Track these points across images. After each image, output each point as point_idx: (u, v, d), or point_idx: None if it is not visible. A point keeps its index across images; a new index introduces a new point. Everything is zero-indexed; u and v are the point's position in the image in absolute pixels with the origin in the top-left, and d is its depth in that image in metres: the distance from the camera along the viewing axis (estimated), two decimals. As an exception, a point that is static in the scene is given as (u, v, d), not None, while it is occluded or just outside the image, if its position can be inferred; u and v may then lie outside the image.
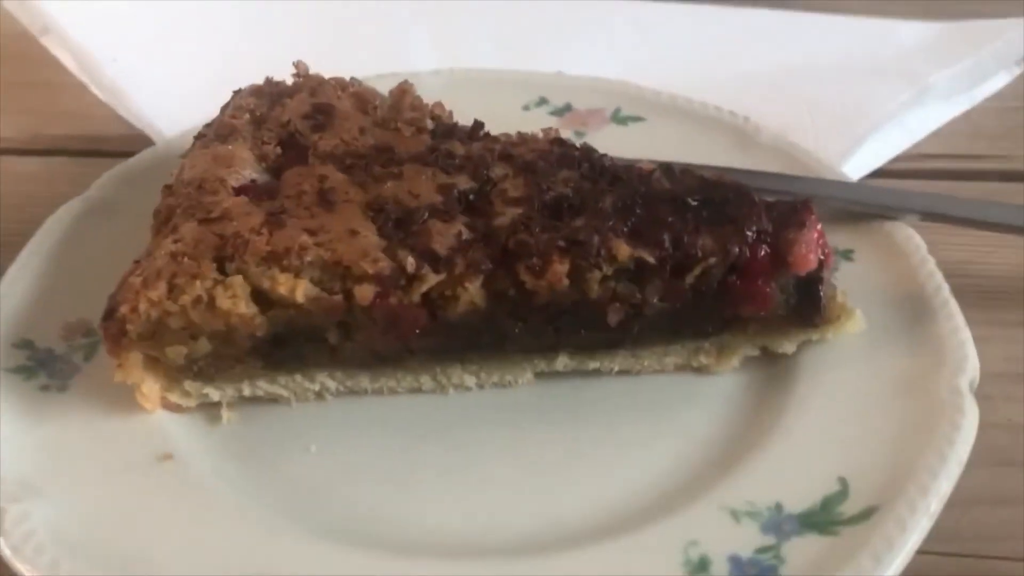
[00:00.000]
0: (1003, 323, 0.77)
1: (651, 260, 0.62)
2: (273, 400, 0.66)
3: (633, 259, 0.62)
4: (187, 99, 0.92)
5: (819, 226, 0.65)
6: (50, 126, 1.00)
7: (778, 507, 0.58)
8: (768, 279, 0.64)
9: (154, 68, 1.00)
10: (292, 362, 0.64)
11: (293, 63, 0.77)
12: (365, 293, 0.60)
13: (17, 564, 0.53)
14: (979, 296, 0.77)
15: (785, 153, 0.84)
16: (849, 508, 0.57)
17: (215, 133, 0.71)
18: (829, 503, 0.58)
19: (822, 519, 0.57)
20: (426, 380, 0.66)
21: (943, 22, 1.09)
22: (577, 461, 0.63)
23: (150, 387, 0.62)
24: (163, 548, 0.55)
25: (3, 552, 0.54)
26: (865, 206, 0.77)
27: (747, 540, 0.56)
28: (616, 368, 0.68)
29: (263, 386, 0.65)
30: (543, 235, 0.63)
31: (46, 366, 0.66)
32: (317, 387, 0.65)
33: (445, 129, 0.72)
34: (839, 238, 0.76)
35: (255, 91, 0.75)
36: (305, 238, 0.61)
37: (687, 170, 0.69)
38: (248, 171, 0.68)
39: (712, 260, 0.63)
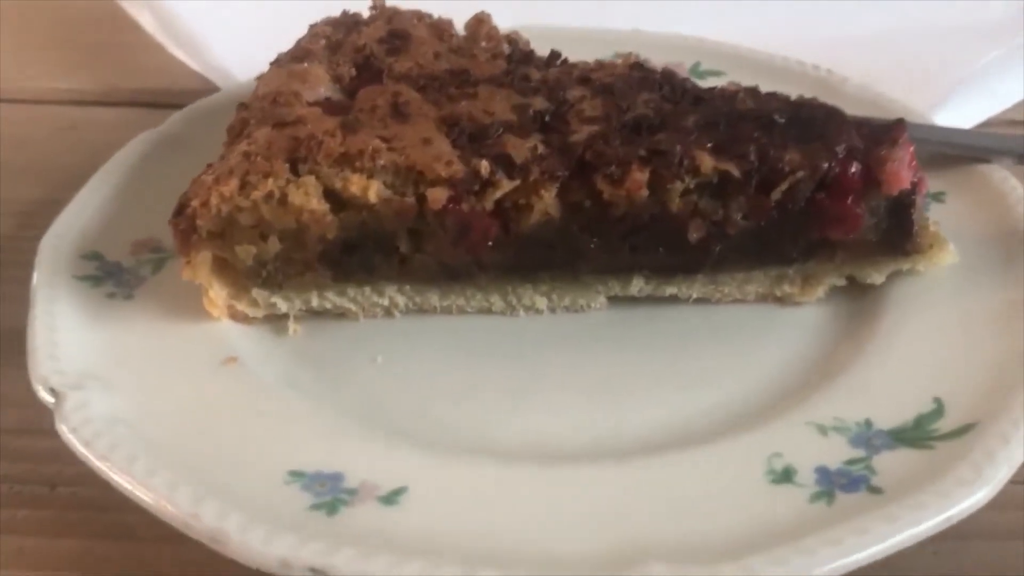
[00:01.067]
0: None
1: (736, 173, 0.60)
2: (341, 315, 0.64)
3: (717, 172, 0.60)
4: (259, 50, 0.93)
5: (912, 148, 0.62)
6: (127, 80, 1.02)
7: (867, 423, 0.54)
8: (858, 199, 0.61)
9: (227, 19, 1.00)
10: (361, 273, 0.62)
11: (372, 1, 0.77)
12: (438, 196, 0.58)
13: (76, 445, 0.52)
14: None
15: (871, 102, 0.81)
16: (945, 425, 0.53)
17: (290, 56, 0.70)
18: (923, 420, 0.54)
19: (915, 435, 0.53)
20: (496, 300, 0.64)
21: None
22: (651, 384, 0.60)
23: (217, 292, 0.61)
24: (222, 442, 0.54)
25: (63, 435, 0.53)
26: (959, 148, 0.74)
27: (835, 453, 0.53)
28: (694, 295, 0.65)
29: (332, 298, 0.63)
30: (622, 147, 0.61)
31: (113, 276, 0.66)
32: (386, 302, 0.64)
33: (522, 55, 0.71)
34: (932, 181, 0.72)
35: (331, 21, 0.75)
36: (378, 142, 0.60)
37: (773, 93, 0.66)
38: (323, 88, 0.67)
39: (800, 175, 0.60)
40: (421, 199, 0.59)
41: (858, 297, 0.65)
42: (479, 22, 0.74)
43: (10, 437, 0.60)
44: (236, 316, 0.63)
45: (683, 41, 0.93)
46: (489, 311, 0.65)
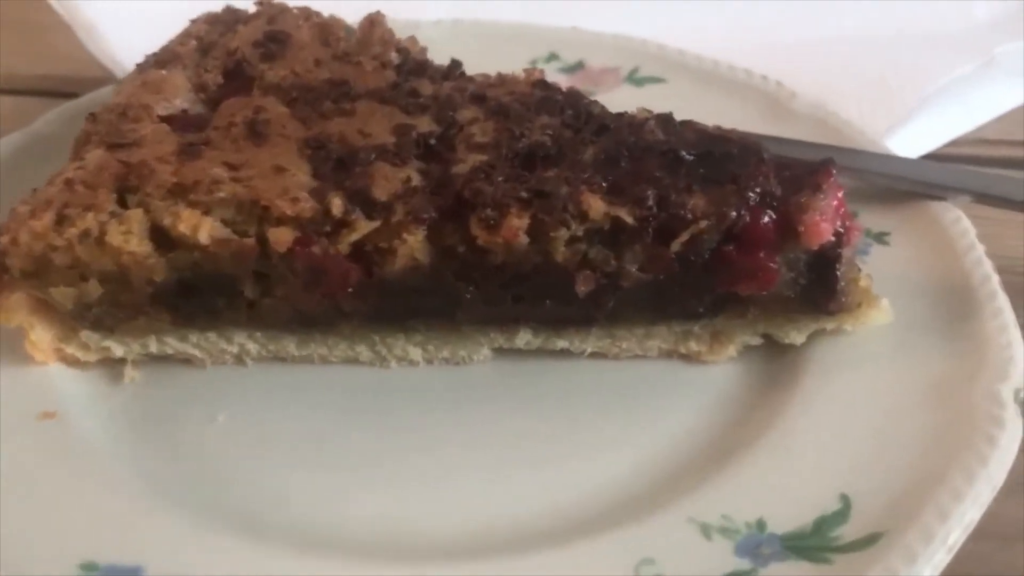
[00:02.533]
0: None
1: (630, 220, 0.52)
2: (186, 361, 0.57)
3: (609, 218, 0.52)
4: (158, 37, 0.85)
5: (840, 193, 0.54)
6: (33, 66, 0.95)
7: (760, 524, 0.47)
8: (772, 252, 0.53)
9: (126, 7, 0.92)
10: (204, 317, 0.55)
11: (256, -6, 0.69)
12: (282, 237, 0.51)
13: None
14: None
15: (822, 122, 0.73)
16: (849, 532, 0.46)
17: (155, 60, 0.62)
18: (824, 524, 0.47)
19: (812, 543, 0.46)
20: (362, 350, 0.57)
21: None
22: (531, 455, 0.54)
23: (40, 335, 0.54)
24: (15, 518, 0.46)
25: None
26: (909, 183, 0.66)
27: (716, 561, 0.45)
28: (588, 349, 0.58)
29: (172, 343, 0.56)
30: (504, 184, 0.53)
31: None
32: (235, 349, 0.56)
33: (414, 66, 0.63)
34: (875, 218, 0.65)
35: (210, 18, 0.67)
36: (220, 171, 0.52)
37: (688, 122, 0.58)
38: (180, 100, 0.59)
39: (704, 224, 0.52)
40: (264, 239, 0.51)
41: (775, 357, 0.57)
42: (372, 24, 0.66)
43: None
44: (66, 359, 0.55)
45: (625, 43, 0.85)
46: (356, 361, 0.57)
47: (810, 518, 0.47)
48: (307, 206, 0.51)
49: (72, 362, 0.56)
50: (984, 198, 0.65)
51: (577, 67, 0.83)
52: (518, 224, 0.51)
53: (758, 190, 0.53)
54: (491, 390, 0.57)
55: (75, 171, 0.53)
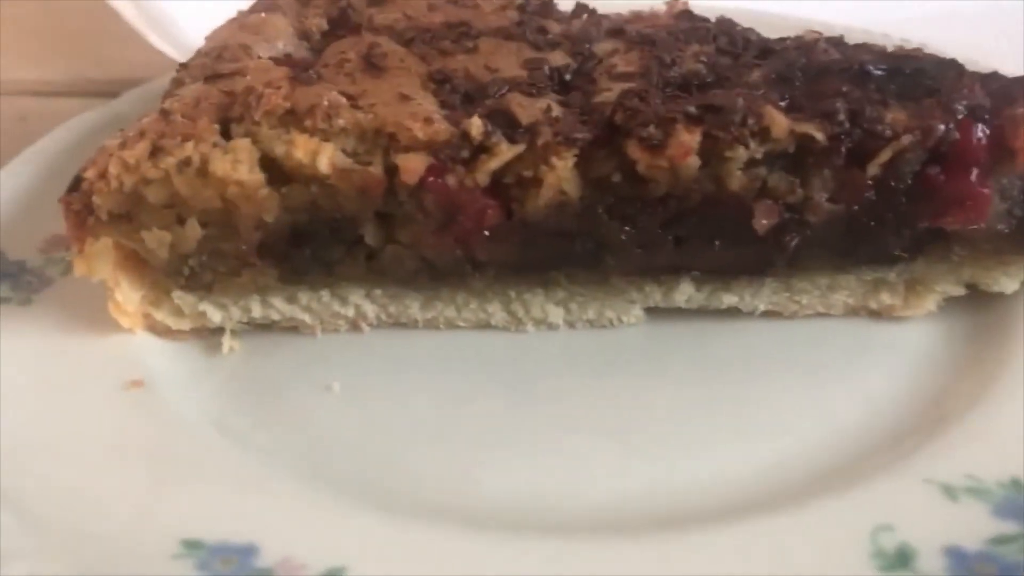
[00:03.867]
0: None
1: (820, 138, 0.44)
2: (292, 328, 0.49)
3: (794, 136, 0.44)
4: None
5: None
6: (101, 71, 0.92)
7: (1014, 483, 0.38)
8: (984, 175, 0.45)
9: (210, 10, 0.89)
10: (317, 271, 0.47)
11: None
12: (414, 165, 0.43)
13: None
14: None
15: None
16: None
17: (251, 8, 0.56)
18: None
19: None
20: (496, 310, 0.49)
21: None
22: (700, 430, 0.45)
23: (127, 295, 0.46)
24: (108, 498, 0.39)
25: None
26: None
27: (973, 526, 0.36)
28: (762, 306, 0.49)
29: (279, 306, 0.48)
30: (668, 104, 0.45)
31: (10, 277, 0.52)
32: (351, 312, 0.49)
33: (538, 6, 0.56)
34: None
35: (309, -29, 0.60)
36: (338, 96, 0.45)
37: (863, 44, 0.50)
38: (282, 43, 0.53)
39: (907, 141, 0.44)
40: (392, 170, 0.44)
41: (981, 311, 0.49)
42: (489, -32, 0.59)
43: None
44: (155, 328, 0.48)
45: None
46: (487, 325, 0.49)
47: (1086, 475, 0.38)
48: (442, 127, 0.43)
49: (162, 331, 0.49)
50: None
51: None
52: (689, 141, 0.43)
53: (965, 102, 0.45)
54: (646, 357, 0.49)
55: (171, 104, 0.46)
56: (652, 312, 0.50)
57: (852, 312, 0.49)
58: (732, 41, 0.52)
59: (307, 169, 0.44)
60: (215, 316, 0.48)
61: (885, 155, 0.44)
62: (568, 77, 0.50)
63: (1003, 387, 0.44)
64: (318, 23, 0.55)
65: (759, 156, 0.45)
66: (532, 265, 0.48)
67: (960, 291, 0.49)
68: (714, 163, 0.44)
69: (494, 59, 0.51)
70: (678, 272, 0.48)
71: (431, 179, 0.44)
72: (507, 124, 0.45)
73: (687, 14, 0.55)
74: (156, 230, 0.45)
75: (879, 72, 0.47)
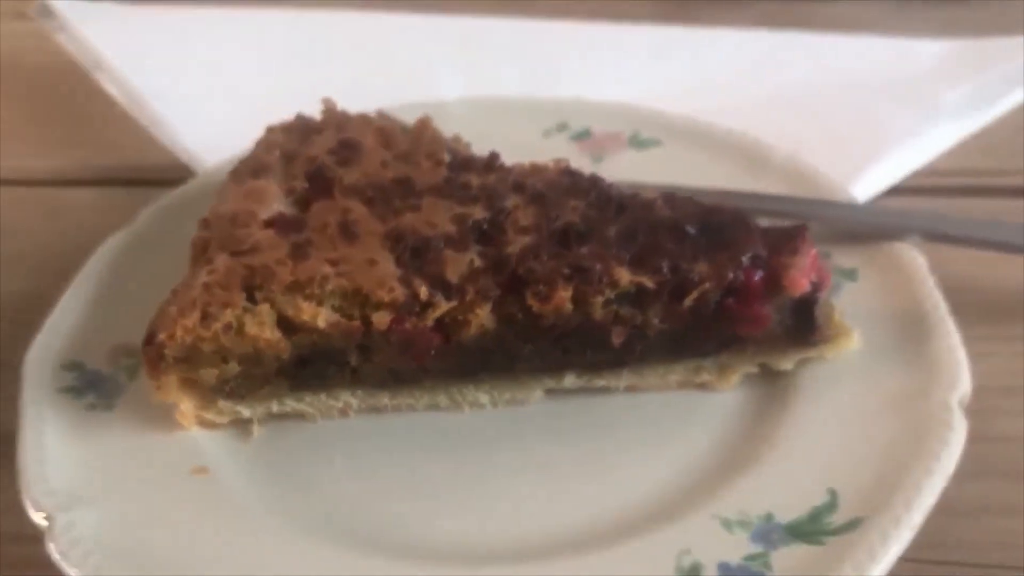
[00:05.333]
0: (1006, 338, 0.79)
1: (651, 285, 0.66)
2: (300, 416, 0.71)
3: (634, 284, 0.66)
4: (225, 129, 0.99)
5: (813, 251, 0.68)
6: (100, 157, 1.07)
7: (768, 517, 0.61)
8: (763, 301, 0.67)
9: (195, 103, 1.06)
10: (316, 382, 0.69)
11: (322, 99, 0.83)
12: (382, 319, 0.65)
13: (65, 567, 0.58)
14: (983, 311, 0.80)
15: (796, 174, 0.87)
16: (837, 519, 0.60)
17: (249, 169, 0.76)
18: (818, 514, 0.61)
19: (809, 529, 0.60)
20: (442, 398, 0.71)
21: (960, 40, 1.11)
22: (582, 474, 0.67)
23: (186, 406, 0.67)
24: (194, 554, 0.60)
25: (53, 556, 0.59)
26: (870, 227, 0.80)
27: (737, 548, 0.59)
28: (622, 385, 0.71)
29: (290, 404, 0.70)
30: (549, 262, 0.67)
31: (94, 386, 0.72)
32: (340, 404, 0.70)
33: (462, 161, 0.77)
34: (845, 258, 0.79)
35: (286, 128, 0.81)
36: (327, 268, 0.66)
37: (689, 198, 0.72)
38: (276, 204, 0.73)
39: (708, 285, 0.66)
40: (367, 320, 0.65)
41: (770, 381, 0.71)
42: (423, 126, 0.80)
43: (11, 545, 0.66)
44: (204, 423, 0.69)
45: (624, 110, 0.99)
46: (436, 407, 0.71)
47: (806, 509, 0.61)
48: (399, 293, 0.65)
49: (209, 425, 0.69)
50: (930, 236, 0.79)
51: (585, 134, 0.97)
52: (564, 296, 0.65)
53: (749, 254, 0.67)
54: (544, 423, 0.71)
55: (208, 275, 0.66)
56: (549, 392, 0.72)
57: (682, 387, 0.72)
58: (599, 196, 0.73)
59: (310, 324, 0.65)
60: (245, 412, 0.70)
61: (694, 295, 0.67)
62: (485, 227, 0.71)
63: (776, 442, 0.66)
64: (300, 183, 0.75)
65: (612, 297, 0.67)
66: (465, 370, 0.69)
67: (755, 370, 0.72)
68: (583, 305, 0.66)
69: (433, 215, 0.71)
70: (564, 368, 0.71)
71: (394, 326, 0.66)
72: (442, 285, 0.66)
73: (568, 171, 0.76)
74: (207, 368, 0.66)
75: (692, 232, 0.69)
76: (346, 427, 0.71)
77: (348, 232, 0.69)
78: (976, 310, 0.77)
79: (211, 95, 1.07)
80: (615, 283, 0.66)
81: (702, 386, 0.72)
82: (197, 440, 0.69)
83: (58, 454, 0.66)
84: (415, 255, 0.68)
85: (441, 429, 0.71)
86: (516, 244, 0.69)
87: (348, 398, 0.70)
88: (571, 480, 0.67)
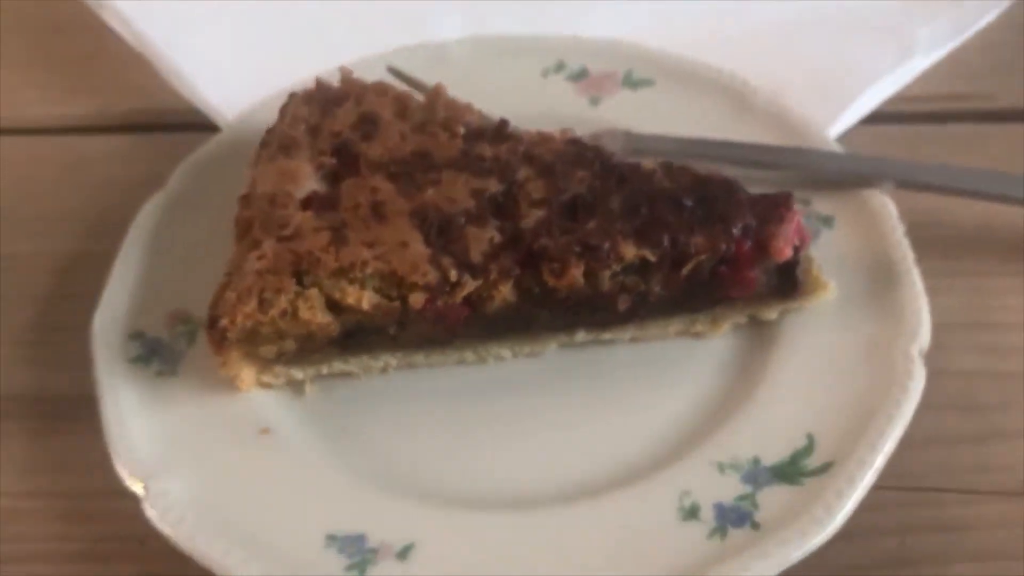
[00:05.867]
0: (965, 272, 0.88)
1: (652, 258, 0.75)
2: (346, 374, 0.80)
3: (638, 257, 0.75)
4: (237, 75, 1.04)
5: (797, 218, 0.77)
6: (115, 102, 1.08)
7: (755, 460, 0.72)
8: (752, 267, 0.76)
9: (204, 48, 1.08)
10: (360, 348, 0.78)
11: (339, 68, 0.88)
12: (418, 300, 0.73)
13: (166, 531, 0.69)
14: (944, 247, 0.89)
15: (778, 117, 0.95)
16: (813, 461, 0.71)
17: (278, 144, 0.83)
18: (797, 456, 0.72)
19: (790, 471, 0.71)
20: (469, 355, 0.80)
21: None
22: (592, 421, 0.76)
23: (247, 373, 0.77)
24: (270, 511, 0.70)
25: (152, 520, 0.70)
26: (846, 175, 0.88)
27: (730, 489, 0.70)
28: (627, 337, 0.81)
29: (338, 365, 0.79)
30: (562, 239, 0.75)
31: (158, 353, 0.80)
32: (381, 364, 0.80)
33: (474, 132, 0.83)
34: (823, 204, 0.87)
35: (307, 98, 0.87)
36: (365, 253, 0.74)
37: (684, 168, 0.80)
38: (309, 183, 0.80)
39: (703, 255, 0.75)
40: (404, 300, 0.74)
41: (757, 329, 0.81)
42: (436, 95, 0.86)
43: (101, 499, 0.75)
44: (261, 385, 0.79)
45: (618, 48, 1.04)
46: (464, 362, 0.81)
47: (788, 452, 0.72)
48: (432, 276, 0.73)
49: (266, 386, 0.79)
50: (902, 184, 0.88)
51: (582, 74, 1.03)
52: (577, 272, 0.74)
53: (739, 225, 0.76)
54: (558, 373, 0.80)
55: (259, 261, 0.74)
56: (563, 345, 0.82)
57: (680, 335, 0.82)
58: (602, 166, 0.80)
59: (355, 306, 0.74)
60: (299, 375, 0.79)
61: (691, 264, 0.76)
62: (501, 200, 0.79)
63: (762, 388, 0.77)
64: (327, 159, 0.82)
65: (618, 270, 0.76)
66: (489, 332, 0.79)
67: (744, 320, 0.82)
68: (592, 279, 0.75)
69: (452, 190, 0.79)
70: (575, 327, 0.80)
71: (428, 304, 0.75)
72: (468, 265, 0.74)
73: (574, 140, 0.83)
74: (266, 345, 0.75)
75: (689, 204, 0.77)
76: (387, 382, 0.81)
77: (378, 213, 0.77)
78: (937, 245, 0.86)
79: (214, 39, 1.09)
80: (621, 258, 0.74)
81: (696, 335, 0.81)
82: (257, 400, 0.78)
83: (139, 423, 0.75)
84: (440, 232, 0.76)
85: (469, 380, 0.81)
86: (530, 218, 0.77)
87: (388, 359, 0.80)
88: (582, 427, 0.77)
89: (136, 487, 0.71)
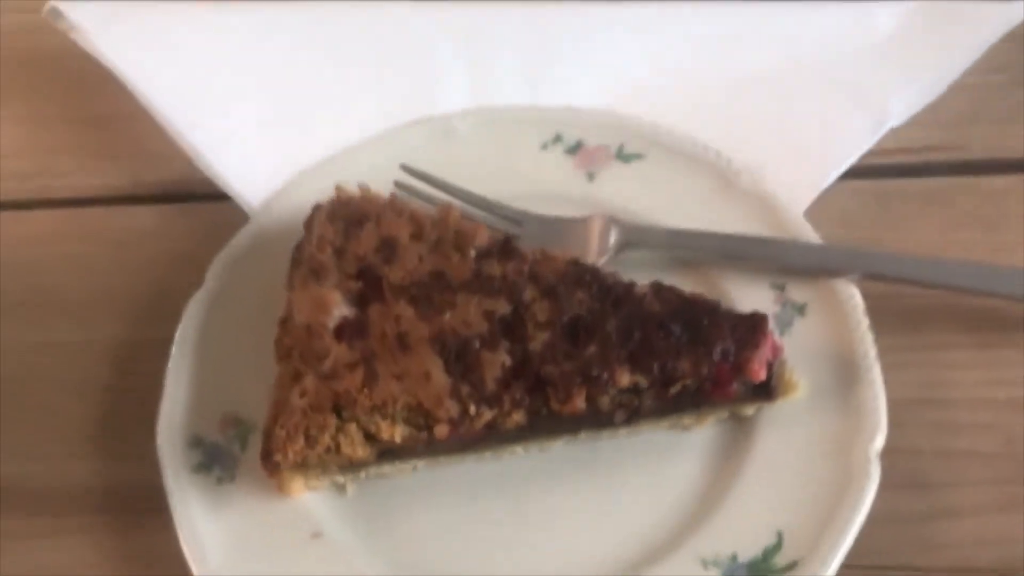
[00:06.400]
0: (921, 347, 0.98)
1: (645, 383, 0.86)
2: (380, 475, 0.93)
3: (632, 381, 0.86)
4: (248, 145, 1.11)
5: (772, 338, 0.88)
6: (145, 170, 1.12)
7: (734, 557, 0.85)
8: (731, 383, 0.88)
9: (215, 124, 1.12)
10: (393, 458, 0.90)
11: (358, 186, 0.97)
12: (442, 431, 0.85)
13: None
14: (900, 320, 0.98)
15: (759, 199, 1.04)
16: (781, 559, 0.84)
17: (308, 268, 0.92)
18: (768, 553, 0.84)
19: (763, 568, 0.84)
20: (486, 453, 0.93)
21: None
22: (593, 514, 0.88)
23: (297, 483, 0.89)
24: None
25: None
26: (817, 268, 0.98)
27: (712, 585, 0.84)
28: (622, 433, 0.93)
29: (374, 471, 0.91)
30: (565, 364, 0.86)
31: (217, 460, 0.92)
32: (411, 466, 0.92)
33: (484, 251, 0.93)
34: (797, 292, 0.97)
35: (331, 215, 0.96)
36: (395, 387, 0.85)
37: (671, 289, 0.90)
38: (339, 309, 0.90)
39: (688, 379, 0.86)
40: (430, 429, 0.86)
41: (736, 422, 0.93)
42: (447, 213, 0.96)
43: None
44: (308, 488, 0.91)
45: (611, 120, 1.12)
46: (480, 459, 0.93)
47: (760, 549, 0.85)
48: (454, 411, 0.85)
49: (312, 488, 0.92)
50: (869, 276, 0.98)
51: (577, 147, 1.12)
52: (580, 400, 0.86)
53: (719, 349, 0.87)
54: (565, 462, 0.92)
55: (301, 398, 0.86)
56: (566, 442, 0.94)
57: (670, 429, 0.94)
58: (600, 289, 0.91)
59: (388, 438, 0.86)
60: (340, 479, 0.92)
61: (678, 386, 0.87)
62: (510, 321, 0.90)
63: (739, 483, 0.89)
64: (354, 283, 0.92)
65: (614, 392, 0.87)
66: (504, 441, 0.91)
67: (725, 416, 0.94)
68: (593, 401, 0.87)
69: (466, 312, 0.90)
70: (578, 430, 0.92)
71: (450, 432, 0.86)
72: (484, 397, 0.86)
73: (575, 261, 0.93)
74: (314, 469, 0.87)
75: (676, 328, 0.88)
76: (415, 478, 0.93)
77: (403, 343, 0.88)
78: (893, 318, 0.96)
79: (222, 113, 1.13)
80: (617, 383, 0.86)
81: (684, 427, 0.93)
82: (306, 502, 0.91)
83: (209, 530, 0.87)
84: (458, 358, 0.87)
85: (486, 472, 0.92)
86: (537, 340, 0.88)
87: (416, 462, 0.92)
88: (586, 520, 0.88)
89: (212, 599, 0.84)
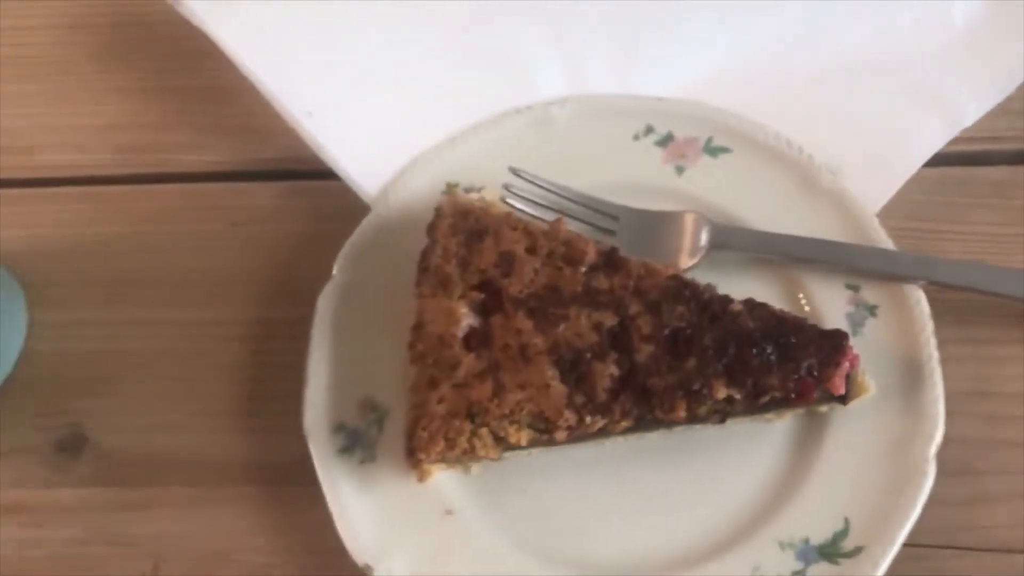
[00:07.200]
0: (975, 341, 1.04)
1: (739, 397, 0.99)
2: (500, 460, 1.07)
3: (727, 393, 0.99)
4: (366, 141, 1.19)
5: (852, 353, 1.00)
6: (257, 147, 1.15)
7: (806, 540, 1.00)
8: (813, 392, 1.00)
9: (335, 119, 1.16)
10: (514, 451, 1.04)
11: (478, 200, 1.07)
12: (561, 436, 0.99)
13: (395, 610, 0.99)
14: (956, 315, 1.08)
15: (837, 200, 1.13)
16: (848, 544, 0.99)
17: (436, 279, 1.03)
18: (837, 538, 0.99)
19: (831, 551, 0.99)
20: (592, 444, 1.06)
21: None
22: (686, 498, 1.01)
23: (434, 472, 1.04)
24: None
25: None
26: (888, 274, 1.09)
27: (787, 565, 0.99)
28: (711, 424, 1.07)
29: (497, 456, 1.06)
30: (668, 376, 0.99)
31: (359, 442, 1.06)
32: (526, 454, 1.06)
33: (592, 265, 1.04)
34: (870, 293, 1.08)
35: (452, 228, 1.06)
36: (520, 397, 0.98)
37: (763, 306, 1.01)
38: (466, 319, 1.02)
39: (777, 393, 0.99)
40: (550, 432, 0.99)
41: (811, 417, 1.06)
42: (557, 226, 1.06)
43: (339, 555, 0.96)
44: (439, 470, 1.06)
45: (701, 112, 1.20)
46: (587, 445, 1.07)
47: (830, 534, 1.00)
48: (572, 420, 0.98)
49: (441, 470, 1.06)
50: (932, 284, 1.08)
51: (668, 139, 1.20)
52: (681, 409, 0.98)
53: (806, 365, 0.99)
54: (659, 449, 1.06)
55: (439, 405, 0.99)
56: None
57: (753, 422, 1.07)
58: (698, 304, 1.02)
59: (515, 442, 0.99)
60: (468, 464, 1.06)
61: (767, 398, 1.00)
62: (617, 332, 1.02)
63: (813, 473, 1.02)
64: (477, 295, 1.04)
65: (710, 404, 1.00)
66: (610, 435, 1.05)
67: (802, 411, 1.07)
68: (692, 411, 1.00)
69: (578, 325, 1.02)
70: (674, 426, 1.05)
71: (568, 434, 1.00)
72: (596, 406, 0.98)
73: (675, 276, 1.03)
74: (452, 466, 1.01)
75: (767, 346, 1.00)
76: (530, 461, 1.06)
77: (525, 356, 1.00)
78: (952, 312, 1.07)
79: (332, 101, 1.18)
80: (714, 396, 0.98)
81: (766, 421, 1.07)
82: (437, 482, 1.05)
83: (357, 510, 1.02)
84: (572, 368, 1.00)
85: (589, 456, 1.05)
86: (642, 353, 1.00)
87: (533, 449, 1.06)
88: (679, 503, 1.01)
89: (365, 568, 1.00)
